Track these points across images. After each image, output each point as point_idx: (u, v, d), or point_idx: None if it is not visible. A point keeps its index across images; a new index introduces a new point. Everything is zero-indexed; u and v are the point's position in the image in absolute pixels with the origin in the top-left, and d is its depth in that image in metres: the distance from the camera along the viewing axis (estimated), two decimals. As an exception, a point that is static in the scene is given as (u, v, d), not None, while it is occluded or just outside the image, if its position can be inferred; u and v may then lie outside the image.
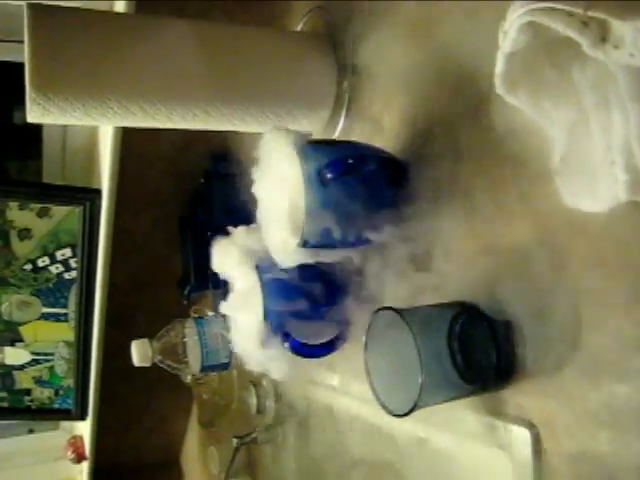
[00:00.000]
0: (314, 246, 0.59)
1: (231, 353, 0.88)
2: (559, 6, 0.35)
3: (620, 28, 0.33)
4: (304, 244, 0.57)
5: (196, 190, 1.12)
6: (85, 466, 1.36)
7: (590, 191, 0.40)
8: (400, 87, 0.64)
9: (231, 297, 0.68)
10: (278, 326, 0.66)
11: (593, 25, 0.34)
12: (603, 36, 0.34)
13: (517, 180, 0.49)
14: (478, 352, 0.50)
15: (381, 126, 0.67)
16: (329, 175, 0.54)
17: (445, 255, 0.57)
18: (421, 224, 0.59)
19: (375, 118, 0.68)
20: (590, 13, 0.34)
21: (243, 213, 0.72)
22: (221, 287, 1.02)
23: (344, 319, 0.64)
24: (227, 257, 0.69)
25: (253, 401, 0.98)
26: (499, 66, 0.41)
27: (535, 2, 0.36)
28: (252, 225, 0.69)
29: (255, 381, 0.99)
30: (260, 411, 0.98)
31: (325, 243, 0.60)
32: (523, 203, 0.49)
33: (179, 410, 1.36)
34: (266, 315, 0.65)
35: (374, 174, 0.57)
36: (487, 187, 0.52)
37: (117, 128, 0.96)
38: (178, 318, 0.93)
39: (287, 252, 0.59)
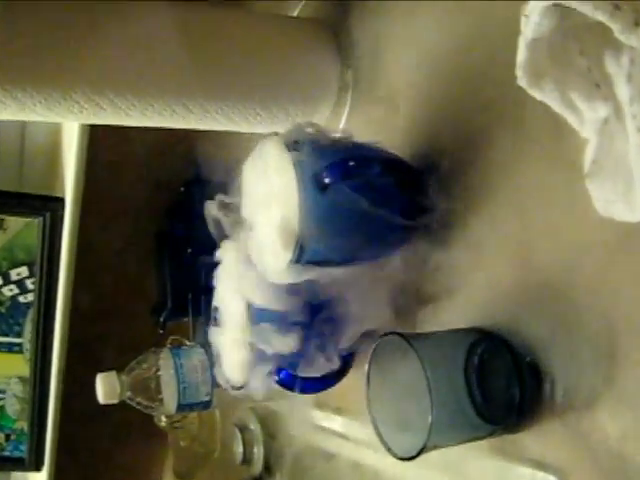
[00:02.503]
0: (310, 262, 0.60)
1: (213, 390, 0.88)
2: (587, -14, 0.37)
3: (656, 11, 0.35)
4: (298, 260, 0.58)
5: (175, 201, 1.14)
6: (39, 526, 1.36)
7: (625, 198, 0.41)
8: (412, 80, 0.66)
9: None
10: (266, 356, 0.67)
11: (626, 8, 0.36)
12: (637, 20, 0.35)
13: (547, 190, 0.51)
14: (499, 386, 0.51)
15: (390, 125, 0.68)
16: (327, 179, 0.55)
17: (463, 275, 0.59)
18: (436, 237, 0.60)
19: (383, 115, 0.69)
20: (622, -6, 0.35)
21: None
22: (202, 313, 1.04)
23: (344, 348, 0.65)
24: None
25: (239, 449, 0.98)
26: (521, 54, 0.42)
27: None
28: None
29: (241, 424, 0.99)
30: (247, 460, 0.98)
31: (323, 259, 0.61)
32: (553, 216, 0.50)
33: (151, 459, 1.36)
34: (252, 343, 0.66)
35: (380, 179, 0.58)
36: (514, 197, 0.54)
37: (84, 127, 0.97)
38: (152, 348, 0.93)
39: (279, 269, 0.60)
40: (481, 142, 0.58)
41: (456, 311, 0.59)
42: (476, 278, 0.57)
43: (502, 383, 0.51)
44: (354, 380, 0.66)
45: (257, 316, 0.65)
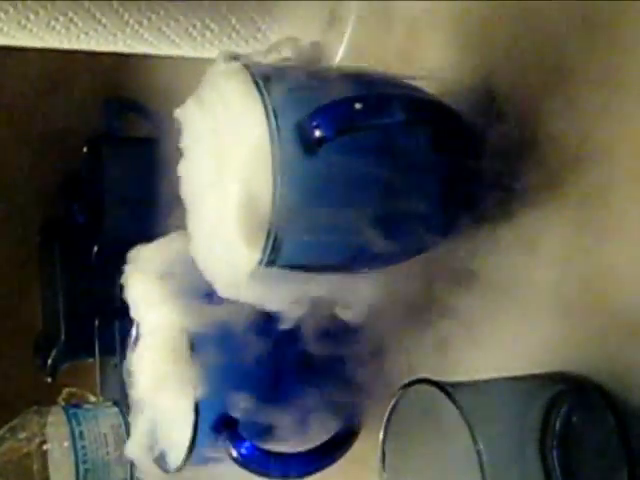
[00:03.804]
0: (289, 266, 0.60)
1: (134, 473, 0.88)
2: None
3: None
4: (271, 262, 0.58)
5: (74, 170, 1.14)
6: None
7: None
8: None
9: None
10: (220, 421, 0.67)
11: None
12: None
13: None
14: (595, 468, 0.51)
15: (417, 47, 0.68)
16: (319, 132, 0.54)
17: (533, 289, 0.59)
18: (492, 228, 0.61)
19: (407, 32, 0.70)
20: None
21: (158, 210, 0.73)
22: (116, 351, 1.03)
23: (345, 404, 0.65)
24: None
25: None
26: None
27: None
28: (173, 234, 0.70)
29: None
30: None
31: (309, 262, 0.62)
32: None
33: None
34: (199, 406, 0.67)
35: (405, 132, 0.58)
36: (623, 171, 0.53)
37: None
38: (34, 407, 0.93)
39: (239, 278, 0.59)
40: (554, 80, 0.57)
41: (520, 345, 0.59)
42: (552, 295, 0.57)
43: (600, 463, 0.51)
44: (359, 454, 0.66)
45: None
